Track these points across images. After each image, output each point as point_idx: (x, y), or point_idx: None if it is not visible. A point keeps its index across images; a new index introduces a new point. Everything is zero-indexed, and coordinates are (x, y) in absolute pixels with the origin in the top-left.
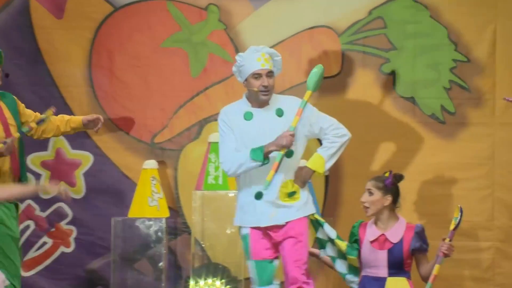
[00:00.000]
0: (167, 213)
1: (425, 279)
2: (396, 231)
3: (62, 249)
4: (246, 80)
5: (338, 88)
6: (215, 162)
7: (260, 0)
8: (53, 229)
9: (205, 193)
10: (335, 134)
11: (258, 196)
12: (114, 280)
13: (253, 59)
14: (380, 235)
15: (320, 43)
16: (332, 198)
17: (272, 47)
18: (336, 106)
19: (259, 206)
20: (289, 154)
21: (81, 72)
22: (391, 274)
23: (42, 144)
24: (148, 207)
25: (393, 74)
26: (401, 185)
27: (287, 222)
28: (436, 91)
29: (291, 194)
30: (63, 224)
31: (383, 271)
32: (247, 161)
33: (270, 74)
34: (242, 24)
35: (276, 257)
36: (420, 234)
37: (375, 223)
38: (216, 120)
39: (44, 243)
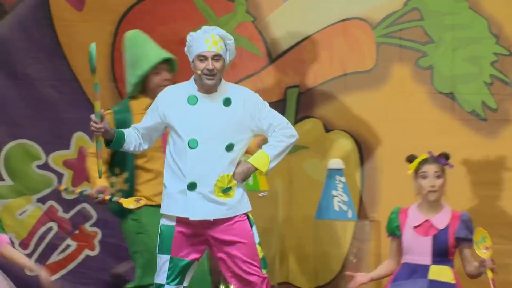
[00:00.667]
0: None
1: (471, 276)
2: (442, 217)
3: (87, 252)
4: (192, 61)
5: (372, 83)
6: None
7: None
8: (77, 231)
9: None
10: (284, 134)
11: (192, 187)
12: None
13: (201, 40)
14: (425, 221)
15: (354, 36)
16: (369, 199)
17: (303, 40)
18: (370, 102)
19: (191, 197)
20: (229, 147)
21: (103, 67)
22: (435, 262)
23: (64, 142)
24: None
25: (430, 68)
26: None
27: (215, 220)
28: (476, 86)
29: (226, 190)
30: (87, 226)
31: (426, 258)
32: None
33: (216, 57)
34: (271, 16)
35: (197, 259)
36: (467, 223)
37: (419, 208)
38: None
39: (68, 246)
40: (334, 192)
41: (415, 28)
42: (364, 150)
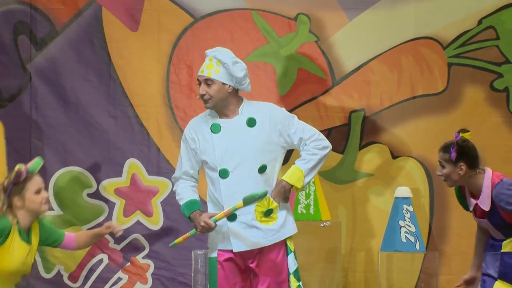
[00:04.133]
0: None
1: None
2: (484, 197)
3: (139, 285)
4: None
5: (443, 107)
6: (306, 189)
7: (355, 10)
8: (128, 264)
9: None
10: (316, 146)
11: (232, 217)
12: None
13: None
14: (475, 204)
15: (424, 57)
16: (438, 229)
17: (369, 60)
18: (441, 127)
19: (232, 228)
20: (261, 169)
21: (158, 90)
22: (507, 235)
23: (116, 170)
24: None
25: (506, 91)
26: None
27: (261, 248)
28: None
29: (267, 213)
30: (139, 258)
31: (497, 234)
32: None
33: (209, 82)
34: (336, 35)
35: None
36: (500, 197)
37: (469, 191)
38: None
39: (119, 279)
40: (401, 222)
41: (490, 48)
42: (433, 177)
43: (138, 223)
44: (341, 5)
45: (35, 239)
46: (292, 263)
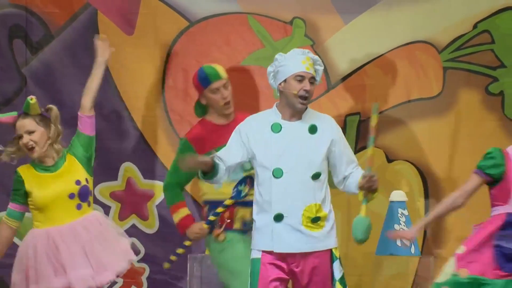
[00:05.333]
0: None
1: None
2: None
3: None
4: (285, 81)
5: (438, 111)
6: None
7: (351, 13)
8: None
9: None
10: None
11: (278, 218)
12: None
13: (298, 60)
14: None
15: (419, 60)
16: (433, 233)
17: (364, 64)
18: (436, 131)
19: (277, 229)
20: (315, 176)
21: (154, 94)
22: None
23: (111, 173)
24: None
25: (501, 94)
26: None
27: (306, 253)
28: None
29: (315, 220)
30: (134, 262)
31: None
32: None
33: (312, 80)
34: (331, 39)
35: None
36: None
37: None
38: None
39: (114, 283)
40: (396, 226)
41: (485, 52)
42: (428, 181)
43: (133, 226)
44: (337, 9)
45: (66, 160)
46: (337, 270)
